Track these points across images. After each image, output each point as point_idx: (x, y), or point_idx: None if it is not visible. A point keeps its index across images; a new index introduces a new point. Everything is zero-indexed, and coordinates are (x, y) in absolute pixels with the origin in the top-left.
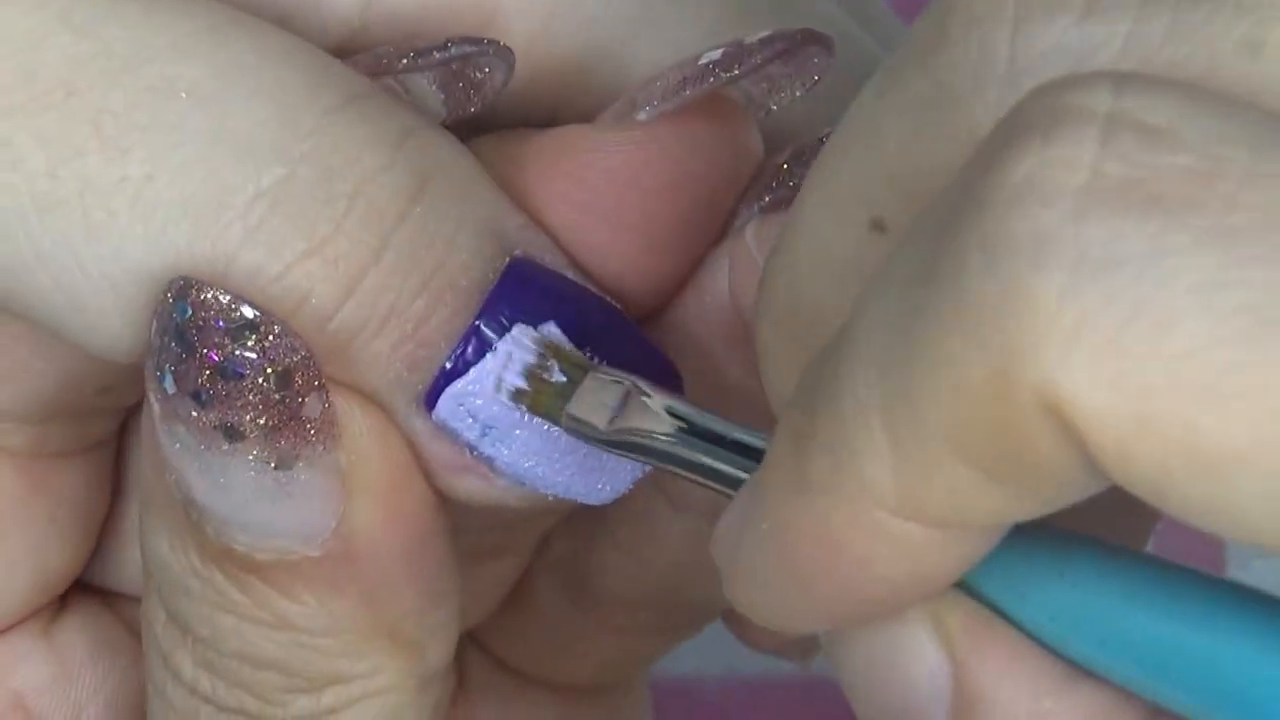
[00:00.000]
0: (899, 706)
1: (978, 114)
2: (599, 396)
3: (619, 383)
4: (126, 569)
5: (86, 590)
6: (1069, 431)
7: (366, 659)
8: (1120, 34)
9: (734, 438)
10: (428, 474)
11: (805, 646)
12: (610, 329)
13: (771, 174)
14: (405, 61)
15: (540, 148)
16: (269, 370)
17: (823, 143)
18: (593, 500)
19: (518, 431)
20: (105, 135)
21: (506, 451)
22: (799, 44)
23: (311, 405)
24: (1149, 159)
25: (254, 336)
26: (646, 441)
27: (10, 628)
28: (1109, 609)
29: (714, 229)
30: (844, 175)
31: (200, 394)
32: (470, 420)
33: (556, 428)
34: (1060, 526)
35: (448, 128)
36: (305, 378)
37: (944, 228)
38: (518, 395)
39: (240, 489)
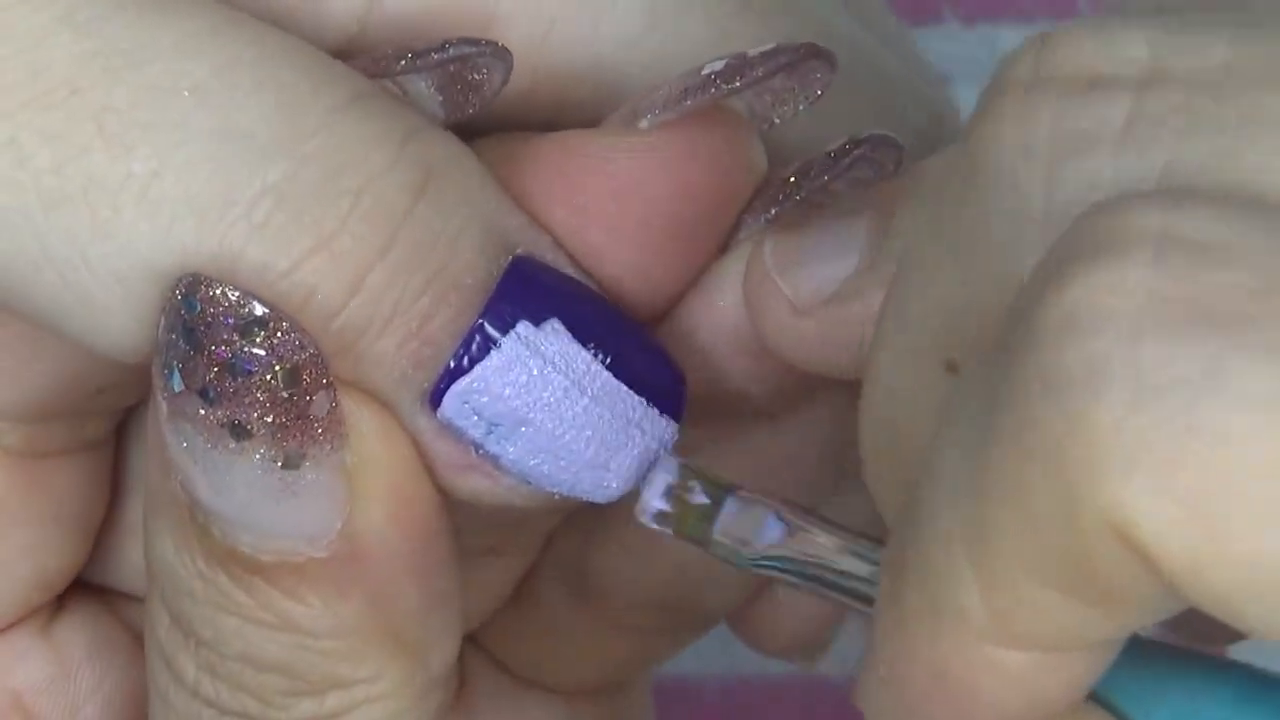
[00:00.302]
0: None
1: (1020, 256)
2: (744, 519)
3: (762, 504)
4: (125, 568)
5: (85, 589)
6: (1140, 555)
7: (369, 663)
8: (1158, 165)
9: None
10: (433, 473)
11: (811, 649)
12: (614, 328)
13: (778, 187)
14: (403, 63)
15: (541, 151)
16: (277, 367)
17: (831, 156)
18: (598, 498)
19: (523, 429)
20: (109, 133)
21: (512, 449)
22: (802, 58)
23: (319, 403)
24: (1202, 276)
25: (263, 333)
26: (815, 570)
27: (9, 627)
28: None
29: (714, 239)
30: (909, 325)
31: (208, 391)
32: (475, 418)
33: (563, 426)
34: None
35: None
36: (313, 375)
37: (1005, 360)
38: (661, 518)
39: (246, 489)
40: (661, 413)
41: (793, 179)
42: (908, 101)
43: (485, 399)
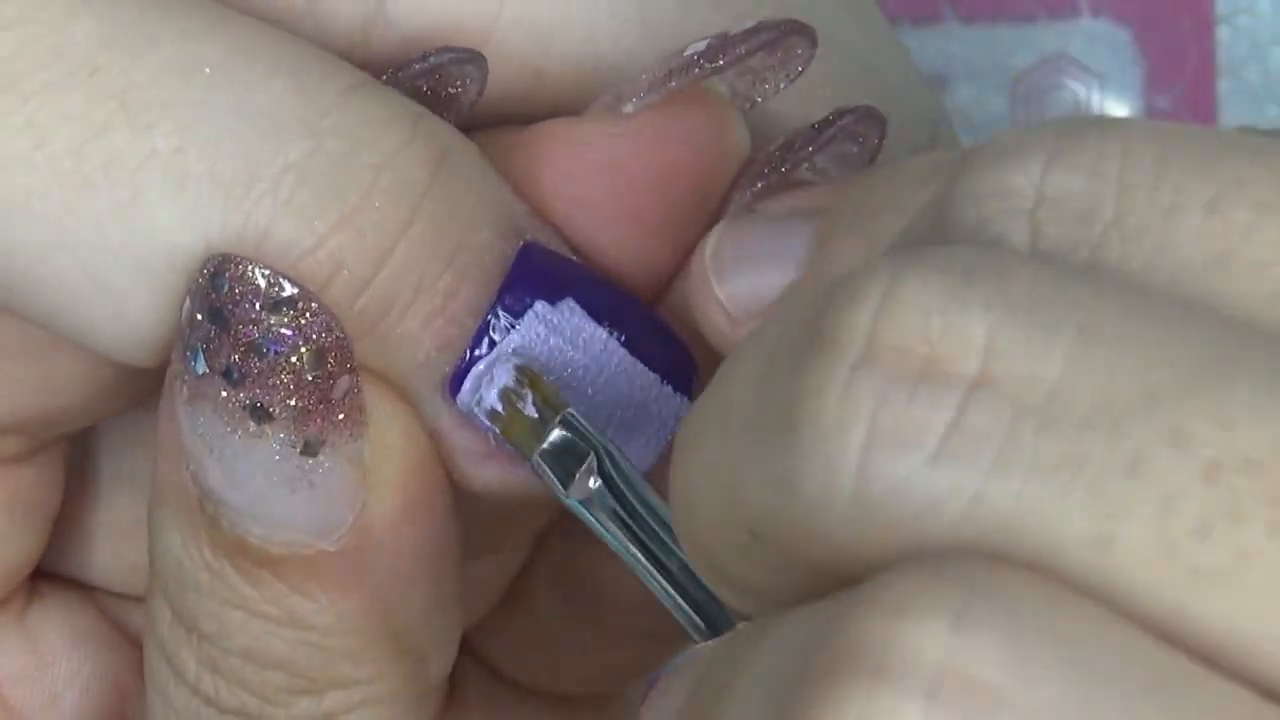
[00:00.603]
0: None
1: (828, 532)
2: (569, 449)
3: (592, 440)
4: (105, 565)
5: (62, 582)
6: None
7: (370, 663)
8: (967, 492)
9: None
10: (450, 465)
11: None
12: (626, 307)
13: (763, 161)
14: (385, 77)
15: (527, 139)
16: (303, 349)
17: (814, 129)
18: None
19: None
20: (131, 110)
21: None
22: (783, 34)
23: (341, 388)
24: None
25: (291, 313)
26: (628, 534)
27: None
28: None
29: (703, 219)
30: (708, 504)
31: (231, 372)
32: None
33: (582, 403)
34: None
35: None
36: (338, 358)
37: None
38: (493, 417)
39: (261, 476)
40: (675, 390)
41: (777, 152)
42: (905, 107)
43: None
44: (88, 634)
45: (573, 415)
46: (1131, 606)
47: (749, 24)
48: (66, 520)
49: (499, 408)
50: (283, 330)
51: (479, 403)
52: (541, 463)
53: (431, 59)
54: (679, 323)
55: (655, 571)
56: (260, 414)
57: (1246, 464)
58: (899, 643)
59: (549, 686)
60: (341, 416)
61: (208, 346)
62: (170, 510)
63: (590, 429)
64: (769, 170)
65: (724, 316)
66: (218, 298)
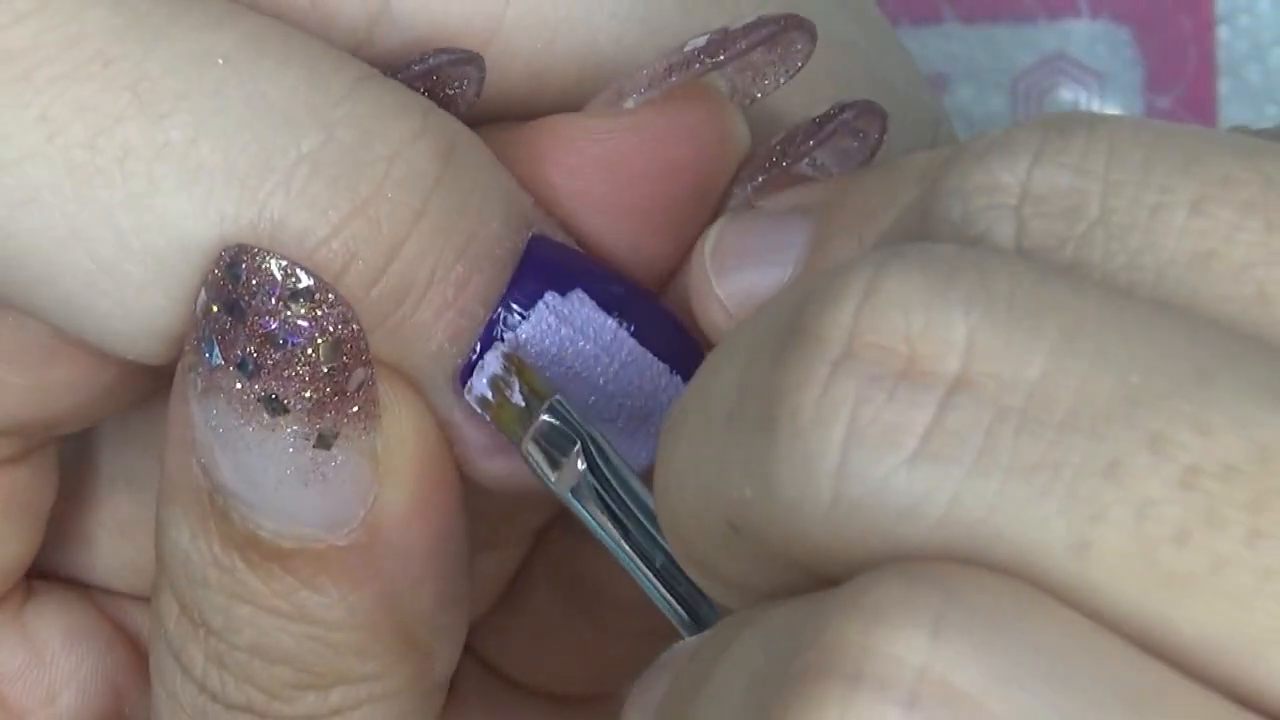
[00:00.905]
0: None
1: (807, 531)
2: (555, 438)
3: (577, 430)
4: (103, 564)
5: (60, 581)
6: None
7: (377, 659)
8: (945, 495)
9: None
10: (462, 459)
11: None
12: (634, 298)
13: (765, 155)
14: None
15: (528, 136)
16: (320, 340)
17: (815, 122)
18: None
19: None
20: (145, 101)
21: None
22: (783, 29)
23: (356, 380)
24: None
25: (308, 304)
26: (614, 525)
27: None
28: None
29: (704, 214)
30: (687, 496)
31: (247, 364)
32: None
33: (594, 393)
34: None
35: None
36: (354, 350)
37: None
38: (484, 404)
39: (274, 470)
40: (684, 380)
41: (778, 146)
42: (907, 107)
43: None
44: (85, 633)
45: (560, 403)
46: (1108, 612)
47: (749, 19)
48: (65, 519)
49: (489, 395)
50: (300, 321)
51: (470, 390)
52: (530, 450)
53: (430, 60)
54: (678, 313)
55: (640, 563)
56: (275, 406)
57: (1225, 470)
58: (878, 649)
59: (548, 686)
60: (356, 409)
61: (223, 338)
62: (179, 505)
63: (577, 417)
64: (770, 164)
65: (723, 312)
66: (234, 288)
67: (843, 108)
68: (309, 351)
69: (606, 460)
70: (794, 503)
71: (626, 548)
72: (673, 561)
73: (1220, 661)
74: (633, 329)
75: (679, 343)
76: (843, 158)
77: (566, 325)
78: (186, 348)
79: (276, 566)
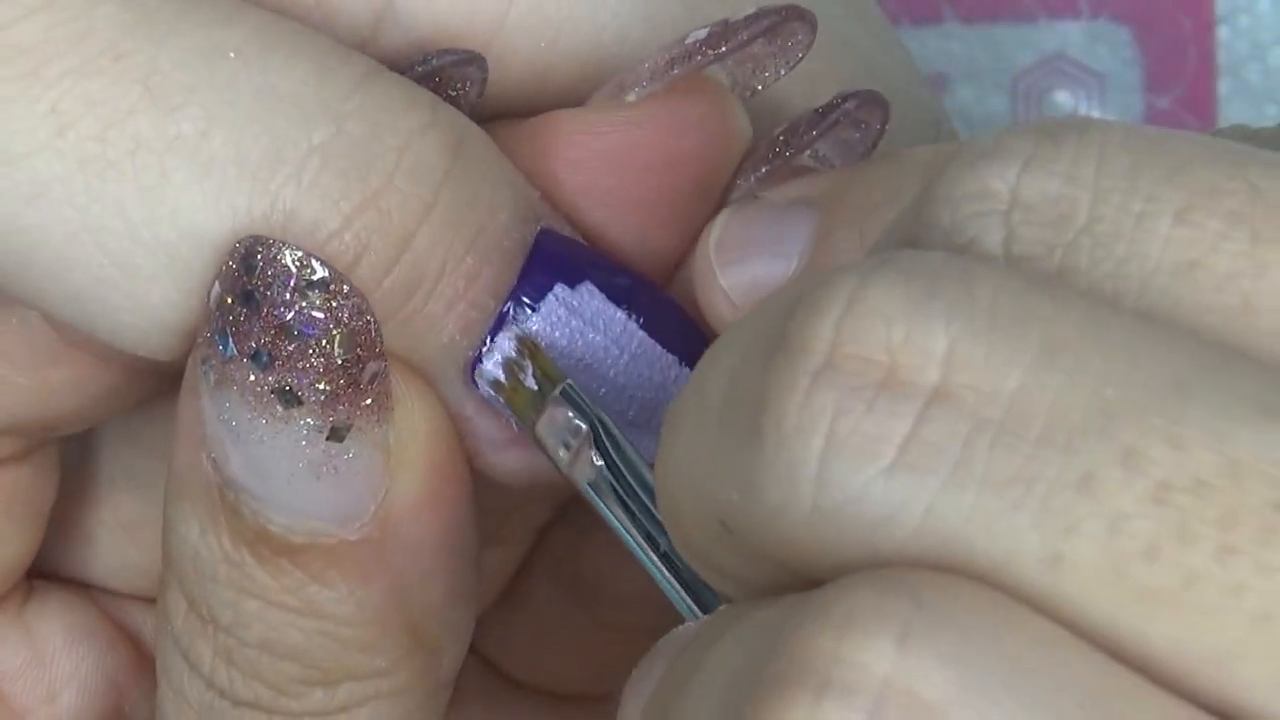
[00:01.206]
0: None
1: (789, 536)
2: (567, 423)
3: (589, 415)
4: (104, 563)
5: (61, 579)
6: None
7: (385, 655)
8: (921, 505)
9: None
10: (473, 452)
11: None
12: (642, 291)
13: (768, 146)
14: None
15: (532, 131)
16: (334, 331)
17: (818, 113)
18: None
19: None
20: (156, 94)
21: None
22: (784, 20)
23: (370, 372)
24: None
25: (322, 295)
26: (624, 511)
27: None
28: None
29: (708, 206)
30: (682, 492)
31: (261, 355)
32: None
33: (604, 385)
34: None
35: None
36: (368, 342)
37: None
38: (496, 387)
39: (286, 463)
40: (692, 371)
41: (781, 136)
42: (907, 106)
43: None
44: (86, 632)
45: (571, 387)
46: (1080, 623)
47: (750, 10)
48: (66, 519)
49: (502, 378)
50: (315, 313)
51: (481, 374)
52: (540, 434)
53: (433, 61)
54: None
55: (648, 549)
56: (288, 398)
57: (1196, 485)
58: (846, 657)
59: (548, 684)
60: (369, 401)
61: (237, 329)
62: (188, 500)
63: (588, 402)
64: (773, 155)
65: (727, 304)
66: (249, 280)
67: (845, 98)
68: (324, 343)
69: (617, 445)
70: (777, 508)
71: (634, 532)
72: None
73: (1192, 674)
74: (642, 321)
75: (687, 334)
76: (844, 149)
77: (576, 317)
78: (199, 340)
79: (286, 561)
